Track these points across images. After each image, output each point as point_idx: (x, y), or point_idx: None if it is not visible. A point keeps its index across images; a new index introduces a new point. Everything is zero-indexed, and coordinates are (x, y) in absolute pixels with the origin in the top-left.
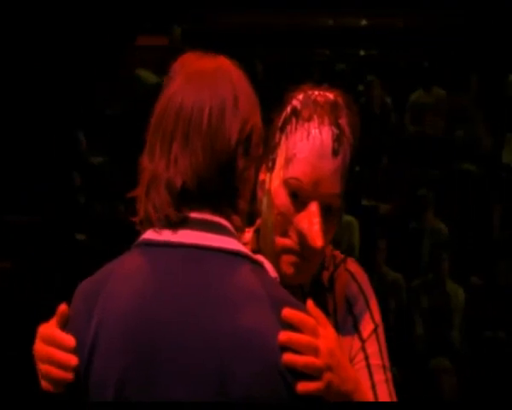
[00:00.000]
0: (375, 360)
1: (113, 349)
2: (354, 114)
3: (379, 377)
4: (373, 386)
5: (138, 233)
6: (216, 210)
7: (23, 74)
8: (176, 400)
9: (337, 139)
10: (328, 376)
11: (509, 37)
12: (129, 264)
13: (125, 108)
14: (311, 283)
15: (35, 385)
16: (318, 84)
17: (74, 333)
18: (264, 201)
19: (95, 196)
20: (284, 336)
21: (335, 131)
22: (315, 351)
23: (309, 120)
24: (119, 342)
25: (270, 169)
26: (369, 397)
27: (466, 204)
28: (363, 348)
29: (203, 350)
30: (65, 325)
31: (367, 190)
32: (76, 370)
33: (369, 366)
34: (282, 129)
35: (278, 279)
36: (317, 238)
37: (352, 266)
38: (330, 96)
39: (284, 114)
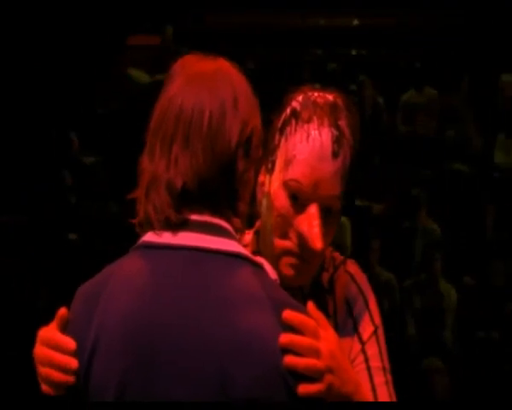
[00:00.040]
0: (375, 363)
1: (113, 352)
2: (354, 115)
3: (379, 379)
4: (373, 388)
5: (130, 233)
6: (216, 212)
7: (15, 74)
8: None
9: (337, 141)
10: (328, 378)
11: (500, 37)
12: (129, 266)
13: (117, 107)
14: (311, 284)
15: (35, 385)
16: (310, 83)
17: (74, 336)
18: (264, 203)
19: (87, 195)
20: (285, 338)
21: (335, 132)
22: (316, 353)
23: (308, 121)
24: (118, 345)
25: (270, 171)
26: (369, 399)
27: (458, 204)
28: (363, 351)
29: (203, 353)
30: (65, 328)
31: (360, 190)
32: (76, 373)
33: (369, 369)
34: (282, 130)
35: (278, 281)
36: (316, 240)
37: (352, 267)
38: (330, 97)
39: (284, 116)
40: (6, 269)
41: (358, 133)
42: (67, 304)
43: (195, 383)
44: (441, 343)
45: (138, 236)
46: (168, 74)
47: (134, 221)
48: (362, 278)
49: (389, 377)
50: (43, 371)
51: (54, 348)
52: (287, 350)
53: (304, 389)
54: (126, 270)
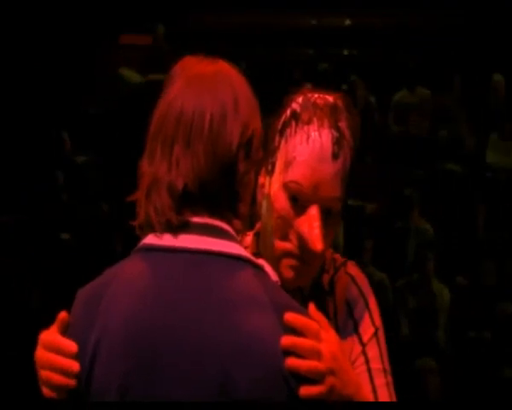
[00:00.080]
0: (376, 364)
1: (114, 354)
2: (354, 116)
3: (379, 380)
4: (374, 390)
5: (122, 232)
6: (217, 214)
7: (7, 74)
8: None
9: (337, 142)
10: (330, 380)
11: (492, 37)
12: (130, 269)
13: (109, 107)
14: (311, 286)
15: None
16: (301, 83)
17: (76, 339)
18: (264, 204)
19: (79, 195)
20: (287, 340)
21: (335, 134)
22: (318, 355)
23: (308, 123)
24: (120, 348)
25: (270, 172)
26: (370, 400)
27: (450, 204)
28: (364, 352)
29: (204, 355)
30: (65, 332)
31: (352, 190)
32: (78, 376)
33: (369, 370)
34: (282, 132)
35: (279, 283)
36: (317, 242)
37: (353, 269)
38: (330, 98)
39: (284, 117)
40: None
41: (359, 135)
42: (61, 304)
43: (197, 385)
44: (434, 343)
45: (130, 235)
46: (168, 77)
47: (134, 224)
48: (362, 280)
49: (390, 378)
50: (44, 374)
51: (55, 352)
52: (288, 352)
53: (305, 391)
54: (127, 273)
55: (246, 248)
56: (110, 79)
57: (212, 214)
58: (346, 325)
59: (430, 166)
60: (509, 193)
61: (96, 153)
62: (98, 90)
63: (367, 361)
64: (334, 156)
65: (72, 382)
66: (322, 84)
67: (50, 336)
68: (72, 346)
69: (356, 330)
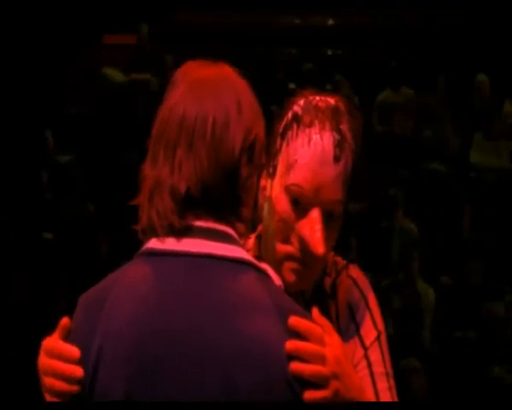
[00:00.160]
0: (378, 368)
1: (117, 359)
2: (355, 119)
3: (382, 384)
4: (376, 394)
5: (106, 232)
6: (220, 218)
7: None
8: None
9: (338, 145)
10: (334, 384)
11: (476, 37)
12: (132, 273)
13: (93, 106)
14: (313, 289)
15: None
16: (284, 83)
17: (78, 344)
18: (266, 207)
19: (62, 194)
20: (291, 344)
21: (337, 136)
22: (322, 359)
23: (310, 125)
24: (123, 352)
25: (271, 175)
26: None
27: (435, 204)
28: (366, 356)
29: (207, 359)
30: (67, 337)
31: None
32: (81, 382)
33: (372, 374)
34: (283, 135)
35: (283, 287)
36: (318, 245)
37: (354, 272)
38: (331, 101)
39: (285, 120)
40: None
41: (360, 137)
42: (44, 304)
43: (199, 389)
44: (419, 343)
45: (115, 235)
46: (170, 81)
47: (137, 228)
48: (364, 283)
49: (392, 382)
50: (47, 381)
51: (57, 358)
52: (292, 357)
53: (310, 395)
54: (130, 277)
55: (248, 251)
56: (94, 79)
57: (215, 218)
58: (348, 328)
59: (414, 166)
60: (494, 193)
61: (79, 152)
62: (82, 90)
63: (369, 365)
64: (336, 159)
65: (75, 388)
66: (306, 84)
67: (52, 342)
68: (74, 351)
69: (358, 333)
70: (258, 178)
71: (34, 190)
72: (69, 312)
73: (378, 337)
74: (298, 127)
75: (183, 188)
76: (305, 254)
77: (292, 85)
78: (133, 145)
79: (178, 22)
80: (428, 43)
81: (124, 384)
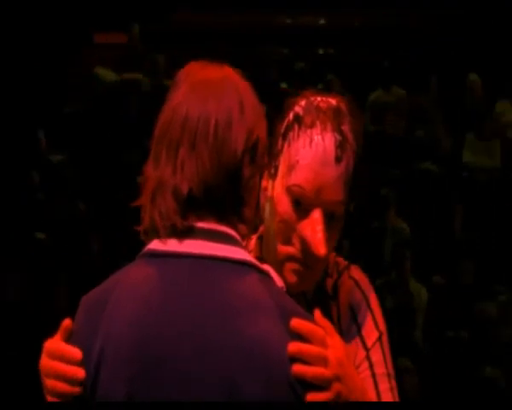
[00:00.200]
0: (380, 369)
1: (119, 360)
2: (357, 120)
3: (384, 385)
4: (378, 395)
5: (98, 232)
6: (222, 219)
7: None
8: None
9: (340, 146)
10: (336, 386)
11: (468, 37)
12: (134, 275)
13: (84, 106)
14: (315, 290)
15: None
16: (276, 82)
17: (80, 346)
18: (267, 208)
19: (54, 194)
20: (294, 347)
21: (338, 137)
22: (324, 362)
23: (311, 126)
24: (125, 353)
25: (273, 176)
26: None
27: (427, 204)
28: (368, 357)
29: (208, 360)
30: (69, 339)
31: None
32: (83, 383)
33: (374, 375)
34: (285, 136)
35: (285, 289)
36: (320, 246)
37: (356, 273)
38: (333, 102)
39: (286, 121)
40: None
41: (362, 138)
42: (37, 303)
43: (201, 391)
44: (411, 343)
45: (107, 235)
46: (172, 82)
47: (139, 229)
48: (366, 284)
49: (394, 383)
50: (49, 383)
51: (59, 359)
52: (295, 359)
53: (312, 397)
54: (132, 278)
55: (249, 252)
56: (85, 78)
57: (217, 219)
58: (349, 329)
59: (406, 166)
60: (486, 193)
61: (71, 152)
62: (73, 89)
63: (371, 366)
64: (337, 160)
65: (77, 389)
66: (298, 84)
67: (54, 344)
68: (76, 353)
69: (360, 334)
70: (260, 178)
71: (26, 190)
72: (64, 311)
73: (380, 338)
74: (299, 128)
75: (185, 188)
76: (307, 255)
77: (284, 85)
78: (125, 145)
79: (170, 22)
80: (420, 43)
81: (125, 386)
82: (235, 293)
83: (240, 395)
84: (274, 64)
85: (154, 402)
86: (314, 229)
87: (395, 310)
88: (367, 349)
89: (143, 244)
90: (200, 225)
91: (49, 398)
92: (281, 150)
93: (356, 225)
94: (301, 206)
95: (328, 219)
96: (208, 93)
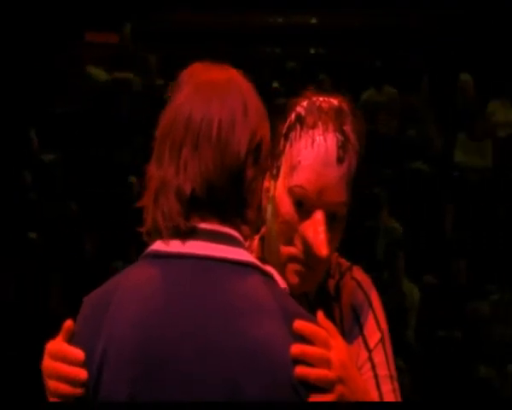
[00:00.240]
0: (382, 371)
1: (121, 361)
2: (359, 120)
3: (386, 387)
4: (380, 396)
5: (90, 231)
6: (225, 220)
7: None
8: None
9: (342, 146)
10: (339, 388)
11: (459, 36)
12: (137, 275)
13: (76, 105)
14: (317, 291)
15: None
16: (268, 82)
17: (83, 347)
18: (269, 209)
19: (46, 193)
20: (297, 348)
21: (340, 137)
22: (327, 364)
23: (313, 126)
24: (127, 354)
25: (275, 177)
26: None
27: (418, 203)
28: (370, 358)
29: (210, 361)
30: (71, 340)
31: None
32: (85, 384)
33: (376, 377)
34: (287, 136)
35: (288, 290)
36: (322, 247)
37: (358, 274)
38: (335, 102)
39: (288, 121)
40: None
41: (364, 138)
42: (29, 302)
43: (203, 392)
44: (404, 343)
45: (99, 234)
46: (175, 82)
47: (142, 230)
48: (368, 285)
49: (396, 384)
50: (51, 384)
51: (61, 361)
52: (298, 361)
53: (315, 399)
54: (135, 279)
55: (251, 253)
56: (77, 78)
57: (220, 221)
58: (351, 330)
59: (398, 166)
60: (477, 192)
61: (63, 151)
62: (65, 89)
63: (373, 367)
64: (339, 160)
65: (79, 390)
66: (289, 83)
67: (56, 345)
68: (78, 354)
69: (362, 335)
70: (263, 179)
71: (18, 190)
72: (57, 310)
73: (382, 339)
74: (301, 128)
75: (188, 189)
76: (309, 256)
77: (275, 84)
78: (117, 144)
79: (161, 21)
80: (412, 42)
81: (128, 387)
82: (238, 294)
83: (242, 397)
84: (265, 63)
85: (156, 403)
86: (316, 230)
87: (387, 310)
88: (369, 350)
89: (136, 243)
90: (203, 226)
91: (52, 399)
92: (283, 151)
93: (348, 225)
94: (303, 207)
95: (330, 219)
96: (212, 94)
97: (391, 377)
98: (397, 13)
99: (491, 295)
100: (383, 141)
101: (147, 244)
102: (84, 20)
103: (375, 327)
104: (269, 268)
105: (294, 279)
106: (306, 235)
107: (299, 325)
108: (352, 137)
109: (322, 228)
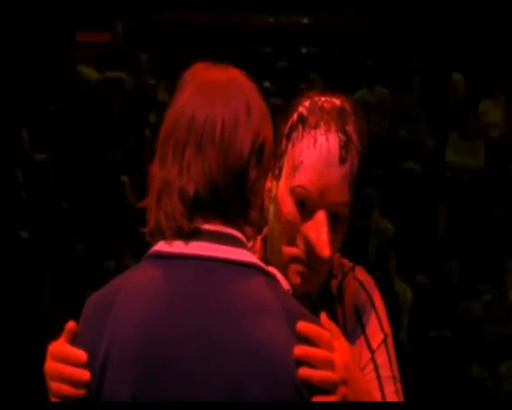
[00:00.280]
0: (385, 372)
1: (124, 362)
2: (361, 120)
3: (389, 388)
4: (383, 397)
5: (82, 231)
6: (228, 221)
7: None
8: None
9: (344, 146)
10: (343, 390)
11: (451, 36)
12: (140, 276)
13: (68, 104)
14: (319, 292)
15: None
16: (259, 81)
17: (86, 348)
18: (271, 209)
19: (37, 193)
20: (300, 350)
21: (342, 138)
22: (330, 365)
23: (316, 127)
24: (130, 355)
25: (277, 177)
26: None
27: (410, 203)
28: (373, 359)
29: (213, 362)
30: (74, 341)
31: None
32: (88, 385)
33: (379, 378)
34: (289, 136)
35: (291, 291)
36: (324, 248)
37: (361, 274)
38: (337, 102)
39: (291, 122)
40: None
41: (366, 138)
42: (21, 302)
43: (206, 392)
44: (396, 343)
45: (90, 234)
46: (178, 83)
47: (144, 230)
48: (371, 286)
49: (399, 385)
50: (53, 385)
51: (64, 362)
52: (301, 362)
53: (318, 401)
54: (138, 279)
55: (254, 253)
56: (68, 77)
57: (224, 221)
58: (354, 331)
59: (390, 166)
60: (469, 192)
61: (54, 150)
62: (56, 88)
63: (376, 368)
64: (342, 160)
65: (82, 391)
66: (280, 83)
67: (59, 346)
68: (81, 355)
69: (365, 336)
70: (265, 180)
71: (10, 189)
72: (48, 309)
73: (385, 340)
74: (303, 128)
75: (191, 190)
76: (311, 257)
77: (266, 84)
78: (108, 143)
79: (153, 21)
80: (404, 42)
81: (131, 387)
82: (241, 295)
83: (245, 397)
84: (256, 63)
85: (159, 404)
86: (318, 230)
87: None
88: (372, 351)
89: (128, 243)
90: (206, 226)
91: (55, 401)
92: (285, 151)
93: None
94: (305, 207)
95: (333, 220)
96: (215, 95)
97: (394, 378)
98: (389, 13)
99: (483, 295)
100: (374, 141)
101: (139, 244)
102: (75, 20)
103: (378, 328)
104: (272, 269)
105: (297, 280)
106: (308, 235)
107: (303, 326)
108: (355, 137)
109: (324, 228)
